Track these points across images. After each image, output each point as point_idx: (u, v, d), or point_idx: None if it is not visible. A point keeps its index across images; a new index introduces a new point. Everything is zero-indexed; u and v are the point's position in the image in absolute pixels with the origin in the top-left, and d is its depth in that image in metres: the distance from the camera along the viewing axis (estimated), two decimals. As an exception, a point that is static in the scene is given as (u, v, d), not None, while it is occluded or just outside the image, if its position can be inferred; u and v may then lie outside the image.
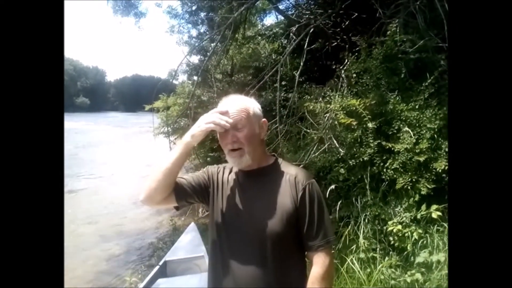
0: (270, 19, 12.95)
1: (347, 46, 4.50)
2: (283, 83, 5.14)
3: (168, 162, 1.29)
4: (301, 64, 4.62)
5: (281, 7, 7.05)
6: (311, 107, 3.83)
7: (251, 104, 1.34)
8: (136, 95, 78.84)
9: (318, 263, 1.30)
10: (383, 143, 3.28)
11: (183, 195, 1.36)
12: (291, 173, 1.35)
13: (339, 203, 3.46)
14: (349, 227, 3.30)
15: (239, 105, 1.30)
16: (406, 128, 3.22)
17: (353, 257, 3.05)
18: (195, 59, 9.25)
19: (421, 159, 3.01)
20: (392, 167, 3.19)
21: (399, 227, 2.98)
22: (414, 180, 3.08)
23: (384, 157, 3.31)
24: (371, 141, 3.32)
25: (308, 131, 4.11)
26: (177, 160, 1.29)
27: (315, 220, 1.30)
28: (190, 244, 4.13)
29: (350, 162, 3.42)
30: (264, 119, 1.38)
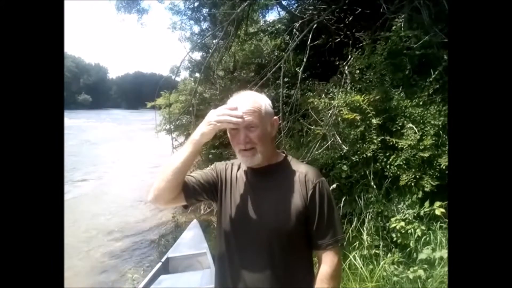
0: (272, 15, 12.90)
1: (350, 42, 4.48)
2: (286, 79, 5.12)
3: (177, 161, 1.26)
4: (304, 60, 4.59)
5: (283, 2, 7.02)
6: (315, 103, 3.81)
7: (263, 102, 1.30)
8: (138, 92, 79.03)
9: (327, 262, 1.29)
10: (387, 138, 3.26)
11: (192, 194, 1.34)
12: (301, 171, 1.33)
13: (345, 199, 3.44)
14: (352, 223, 3.29)
15: (251, 103, 1.25)
16: (410, 125, 3.20)
17: (356, 253, 3.05)
18: (197, 55, 9.24)
19: (425, 155, 2.99)
20: (396, 164, 3.17)
21: (402, 223, 2.97)
22: (417, 176, 3.06)
23: (388, 154, 3.29)
24: (375, 137, 3.30)
25: (311, 127, 4.10)
26: (187, 159, 1.26)
27: (325, 219, 1.29)
28: (193, 241, 4.14)
29: (353, 159, 3.41)
30: (275, 117, 1.34)
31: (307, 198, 1.28)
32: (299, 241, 1.30)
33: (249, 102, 1.25)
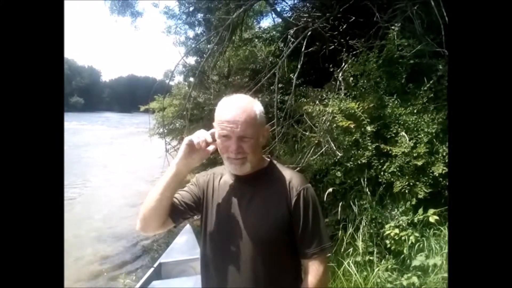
0: (266, 22, 12.99)
1: (344, 49, 4.52)
2: (280, 85, 5.13)
3: (158, 189, 1.27)
4: (299, 66, 4.62)
5: (278, 9, 7.06)
6: (310, 110, 3.82)
7: (258, 110, 1.25)
8: (131, 96, 78.90)
9: (312, 272, 1.26)
10: (382, 146, 3.29)
11: (178, 215, 1.33)
12: (286, 177, 1.30)
13: (339, 205, 3.44)
14: (346, 230, 3.29)
15: (247, 113, 1.20)
16: (403, 133, 3.23)
17: (350, 260, 3.04)
18: (191, 60, 9.25)
19: (419, 163, 3.02)
20: (390, 171, 3.19)
21: (396, 230, 2.98)
22: (411, 184, 3.09)
23: (382, 160, 3.32)
24: (369, 144, 3.32)
25: (305, 133, 4.11)
26: (168, 185, 1.27)
27: (309, 227, 1.25)
28: (185, 246, 4.11)
29: (348, 165, 3.42)
30: (266, 126, 1.32)
31: (291, 206, 1.25)
32: (284, 249, 1.28)
33: (245, 112, 1.20)
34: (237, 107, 1.21)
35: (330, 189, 3.41)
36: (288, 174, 1.32)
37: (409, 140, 3.16)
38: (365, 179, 3.35)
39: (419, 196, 3.02)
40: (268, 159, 1.37)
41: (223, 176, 1.37)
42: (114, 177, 11.26)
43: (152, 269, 3.60)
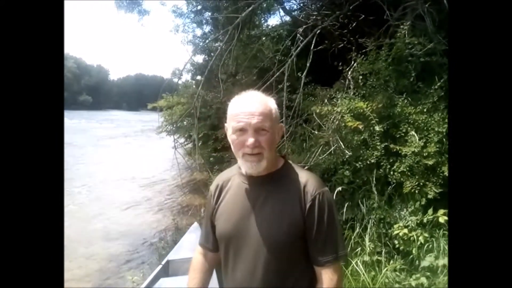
0: (274, 20, 12.96)
1: (353, 47, 4.47)
2: (288, 84, 5.10)
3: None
4: (307, 65, 4.59)
5: (286, 7, 7.04)
6: (317, 111, 3.80)
7: (273, 105, 1.21)
8: (139, 94, 79.61)
9: (325, 280, 1.20)
10: (391, 145, 3.25)
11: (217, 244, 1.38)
12: (301, 180, 1.23)
13: (346, 205, 3.42)
14: (355, 230, 3.27)
15: (263, 105, 1.17)
16: (413, 132, 3.19)
17: (358, 260, 3.02)
18: (199, 58, 9.28)
19: (430, 162, 2.99)
20: (399, 170, 3.16)
21: (405, 230, 2.95)
22: (421, 184, 3.05)
23: (391, 160, 3.28)
24: (378, 144, 3.29)
25: (314, 132, 4.09)
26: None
27: (324, 233, 1.19)
28: (193, 244, 4.10)
29: (357, 165, 3.39)
30: (281, 124, 1.25)
31: (305, 211, 1.18)
32: (297, 256, 1.23)
33: (261, 104, 1.18)
34: (253, 100, 1.19)
35: (339, 188, 3.38)
36: (304, 176, 1.25)
37: (419, 140, 3.12)
38: (374, 179, 3.32)
39: (429, 196, 2.99)
40: (283, 160, 1.31)
41: (233, 180, 1.33)
42: (121, 174, 11.31)
43: (160, 266, 3.60)
